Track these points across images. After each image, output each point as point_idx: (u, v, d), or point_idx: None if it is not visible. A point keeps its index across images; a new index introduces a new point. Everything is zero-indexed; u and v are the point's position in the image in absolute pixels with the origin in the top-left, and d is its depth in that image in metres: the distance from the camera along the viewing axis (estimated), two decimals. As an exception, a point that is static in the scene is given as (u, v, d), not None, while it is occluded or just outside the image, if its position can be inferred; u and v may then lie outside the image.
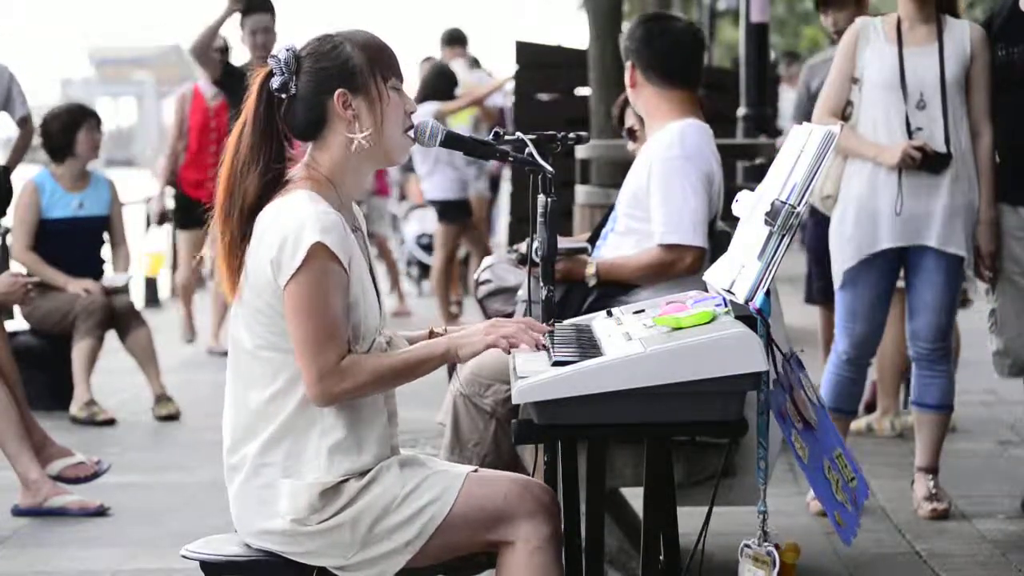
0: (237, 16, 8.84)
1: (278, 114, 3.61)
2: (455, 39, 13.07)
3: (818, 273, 7.87)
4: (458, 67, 12.40)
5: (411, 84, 11.86)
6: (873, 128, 5.96)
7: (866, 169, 5.97)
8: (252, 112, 3.60)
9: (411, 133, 3.71)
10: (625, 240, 5.19)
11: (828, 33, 8.08)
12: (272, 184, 3.57)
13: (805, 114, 7.88)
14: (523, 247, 5.23)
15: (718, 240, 5.06)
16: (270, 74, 3.60)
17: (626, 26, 5.50)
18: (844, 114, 6.01)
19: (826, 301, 8.07)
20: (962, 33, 5.98)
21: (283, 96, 3.59)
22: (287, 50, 3.61)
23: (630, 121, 5.66)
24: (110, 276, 8.77)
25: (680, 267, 5.07)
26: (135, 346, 8.58)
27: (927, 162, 5.86)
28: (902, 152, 5.84)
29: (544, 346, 3.62)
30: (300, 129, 3.63)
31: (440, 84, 11.71)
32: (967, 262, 5.99)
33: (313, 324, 3.47)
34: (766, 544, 3.65)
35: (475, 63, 13.67)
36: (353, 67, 3.59)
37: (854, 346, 6.08)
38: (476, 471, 3.65)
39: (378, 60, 3.62)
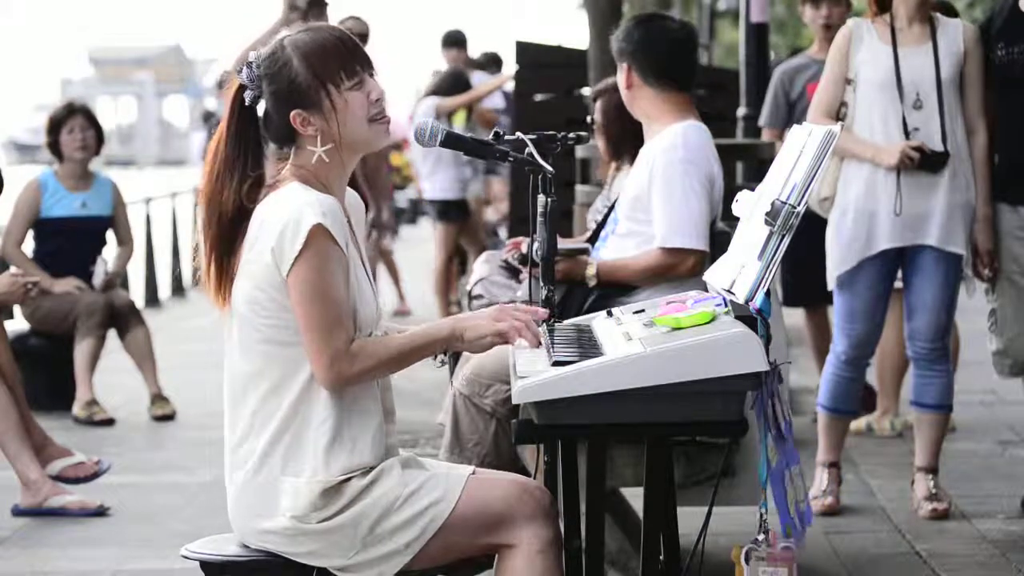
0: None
1: (256, 123, 3.63)
2: (453, 41, 13.00)
3: (795, 276, 7.86)
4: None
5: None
6: (870, 129, 5.96)
7: (863, 170, 5.96)
8: (226, 125, 3.63)
9: (382, 121, 3.67)
10: (627, 242, 5.18)
11: (814, 28, 8.06)
12: (252, 189, 3.59)
13: (785, 119, 7.87)
14: (511, 253, 5.24)
15: (718, 240, 5.06)
16: (242, 88, 3.63)
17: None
18: (839, 115, 6.01)
19: (799, 303, 8.07)
20: (955, 32, 5.99)
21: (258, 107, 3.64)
22: (247, 67, 3.63)
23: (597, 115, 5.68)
24: (98, 275, 8.70)
25: (681, 270, 5.06)
26: (133, 345, 8.58)
27: (925, 162, 5.87)
28: (900, 153, 5.84)
29: (543, 342, 3.63)
30: (276, 141, 3.66)
31: (453, 87, 11.71)
32: (965, 260, 6.00)
33: (321, 308, 3.48)
34: (784, 541, 3.65)
35: (488, 62, 13.65)
36: (299, 85, 3.58)
37: (853, 347, 6.08)
38: (476, 473, 3.66)
39: (325, 68, 3.58)
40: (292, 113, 3.58)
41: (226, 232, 3.57)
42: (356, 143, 3.64)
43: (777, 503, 3.67)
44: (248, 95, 3.62)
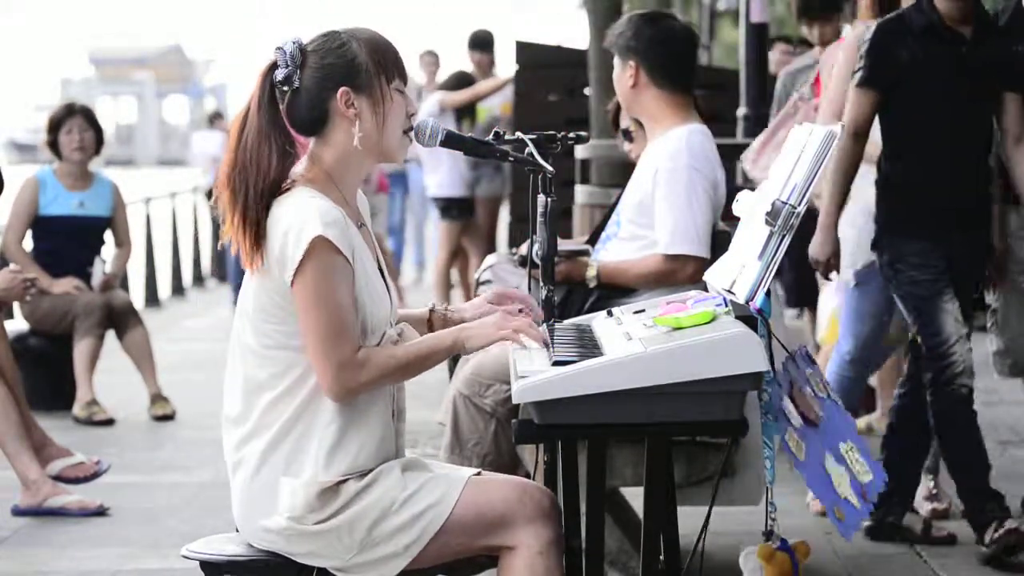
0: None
1: (281, 106, 3.60)
2: (478, 43, 12.65)
3: (793, 278, 7.85)
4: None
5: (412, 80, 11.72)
6: None
7: None
8: (256, 102, 3.59)
9: (411, 134, 3.71)
10: (630, 246, 5.16)
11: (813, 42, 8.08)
12: (288, 163, 3.55)
13: None
14: (524, 249, 5.23)
15: (718, 240, 5.05)
16: (274, 66, 3.60)
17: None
18: None
19: (801, 304, 8.07)
20: None
21: (286, 89, 3.59)
22: (292, 43, 3.60)
23: (626, 122, 5.60)
24: (96, 275, 8.70)
25: (682, 276, 5.04)
26: (132, 346, 8.59)
27: None
28: None
29: (547, 342, 3.63)
30: (302, 124, 3.62)
31: (456, 85, 11.70)
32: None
33: (324, 318, 3.48)
34: (778, 540, 3.65)
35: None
36: (358, 65, 3.58)
37: (860, 347, 6.08)
38: (479, 474, 3.66)
39: (383, 60, 3.61)
40: (341, 89, 3.56)
41: (260, 196, 3.51)
42: (387, 145, 3.63)
43: (818, 492, 3.64)
44: (281, 73, 3.58)
